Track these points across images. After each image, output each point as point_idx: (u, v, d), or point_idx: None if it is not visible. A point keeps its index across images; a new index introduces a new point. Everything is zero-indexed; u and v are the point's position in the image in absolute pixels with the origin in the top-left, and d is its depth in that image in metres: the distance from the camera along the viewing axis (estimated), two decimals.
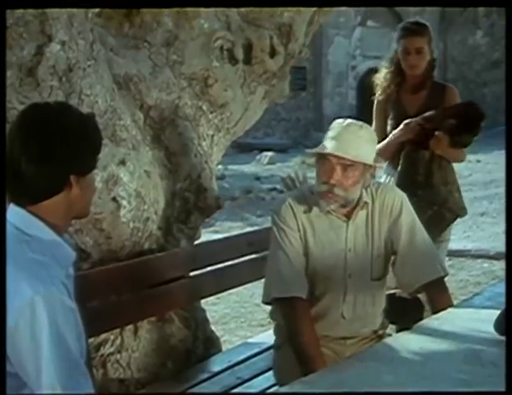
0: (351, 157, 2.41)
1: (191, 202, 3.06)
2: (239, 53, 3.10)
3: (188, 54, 3.01)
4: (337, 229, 2.53)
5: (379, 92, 3.80)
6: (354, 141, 2.44)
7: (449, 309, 2.33)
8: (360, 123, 2.52)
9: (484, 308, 2.28)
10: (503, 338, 1.95)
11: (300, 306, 2.46)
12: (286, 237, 2.50)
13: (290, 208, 2.52)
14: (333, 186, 2.43)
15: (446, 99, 3.70)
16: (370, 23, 21.84)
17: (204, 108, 3.13)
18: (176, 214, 3.02)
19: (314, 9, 3.23)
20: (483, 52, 21.63)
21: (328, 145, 2.43)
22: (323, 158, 2.45)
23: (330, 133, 2.48)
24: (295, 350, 2.45)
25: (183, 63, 3.01)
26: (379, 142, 3.06)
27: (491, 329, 2.02)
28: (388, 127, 3.72)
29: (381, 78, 3.79)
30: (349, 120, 2.51)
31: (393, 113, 3.73)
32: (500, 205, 9.90)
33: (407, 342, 2.07)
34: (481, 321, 2.10)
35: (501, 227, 8.19)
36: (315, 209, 2.51)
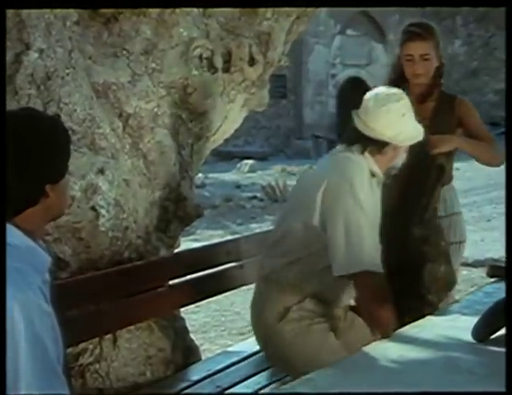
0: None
1: (170, 210, 3.05)
2: (219, 62, 3.10)
3: (167, 63, 3.00)
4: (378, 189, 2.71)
5: None
6: None
7: (428, 317, 2.34)
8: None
9: (462, 315, 2.29)
10: (480, 346, 1.96)
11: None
12: (368, 204, 2.57)
13: (364, 169, 2.65)
14: None
15: (457, 113, 3.32)
16: (349, 32, 21.93)
17: (183, 116, 3.12)
18: (155, 223, 3.02)
19: (293, 18, 3.24)
20: (462, 61, 21.79)
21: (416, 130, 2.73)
22: None
23: (407, 118, 2.70)
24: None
25: (162, 72, 3.00)
26: None
27: (469, 337, 2.04)
28: None
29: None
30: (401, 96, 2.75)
31: None
32: (479, 213, 9.96)
33: (385, 351, 2.07)
34: (459, 329, 2.12)
35: (480, 235, 8.25)
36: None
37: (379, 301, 2.49)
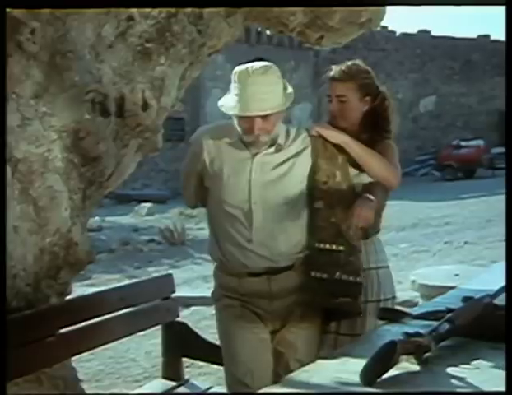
0: (269, 111, 2.79)
1: (61, 256, 2.98)
2: (112, 106, 3.08)
3: (58, 107, 2.96)
4: (243, 161, 2.91)
5: None
6: (267, 92, 2.78)
7: (319, 361, 2.36)
8: (262, 65, 2.86)
9: (352, 358, 2.32)
10: (368, 389, 1.99)
11: None
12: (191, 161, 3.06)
13: (203, 137, 3.02)
14: (258, 136, 2.83)
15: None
16: None
17: (75, 161, 3.07)
18: (45, 270, 2.94)
19: (187, 64, 3.26)
20: None
21: (244, 103, 2.77)
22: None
23: (240, 88, 2.81)
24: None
25: (54, 116, 2.95)
26: None
27: (358, 379, 2.06)
28: None
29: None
30: (253, 68, 2.84)
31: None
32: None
33: None
34: (349, 372, 2.14)
35: None
36: (227, 139, 2.96)
37: None
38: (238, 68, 2.89)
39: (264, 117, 2.80)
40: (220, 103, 2.92)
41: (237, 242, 2.90)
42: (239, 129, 2.88)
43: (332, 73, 3.24)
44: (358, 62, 3.30)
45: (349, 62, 3.29)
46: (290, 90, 2.92)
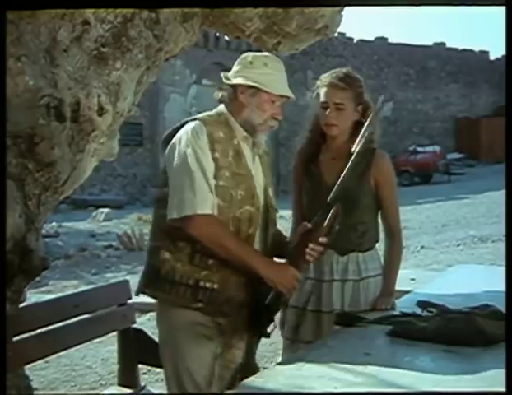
0: (293, 97, 2.80)
1: (15, 264, 2.94)
2: (67, 111, 3.04)
3: (12, 111, 2.92)
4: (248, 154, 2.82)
5: (296, 157, 3.25)
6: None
7: (275, 366, 2.36)
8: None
9: (307, 363, 2.32)
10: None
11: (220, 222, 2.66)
12: (202, 157, 2.65)
13: (205, 131, 2.74)
14: (277, 121, 2.81)
15: (373, 171, 3.11)
16: (205, 82, 22.25)
17: (30, 166, 3.03)
18: None
19: (143, 68, 3.25)
20: None
21: (279, 84, 2.76)
22: (270, 95, 2.74)
23: (273, 72, 2.78)
24: (235, 261, 2.62)
25: (8, 121, 2.92)
26: (298, 221, 3.08)
27: (314, 385, 2.07)
28: (304, 200, 3.20)
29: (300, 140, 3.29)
30: (273, 56, 2.91)
31: (310, 183, 3.18)
32: None
33: None
34: (304, 378, 2.15)
35: None
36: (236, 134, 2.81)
37: (223, 240, 2.62)
38: (260, 54, 2.92)
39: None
40: (258, 79, 2.78)
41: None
42: (261, 115, 2.78)
43: (330, 79, 3.11)
44: (350, 70, 3.22)
45: (343, 69, 3.19)
46: None
